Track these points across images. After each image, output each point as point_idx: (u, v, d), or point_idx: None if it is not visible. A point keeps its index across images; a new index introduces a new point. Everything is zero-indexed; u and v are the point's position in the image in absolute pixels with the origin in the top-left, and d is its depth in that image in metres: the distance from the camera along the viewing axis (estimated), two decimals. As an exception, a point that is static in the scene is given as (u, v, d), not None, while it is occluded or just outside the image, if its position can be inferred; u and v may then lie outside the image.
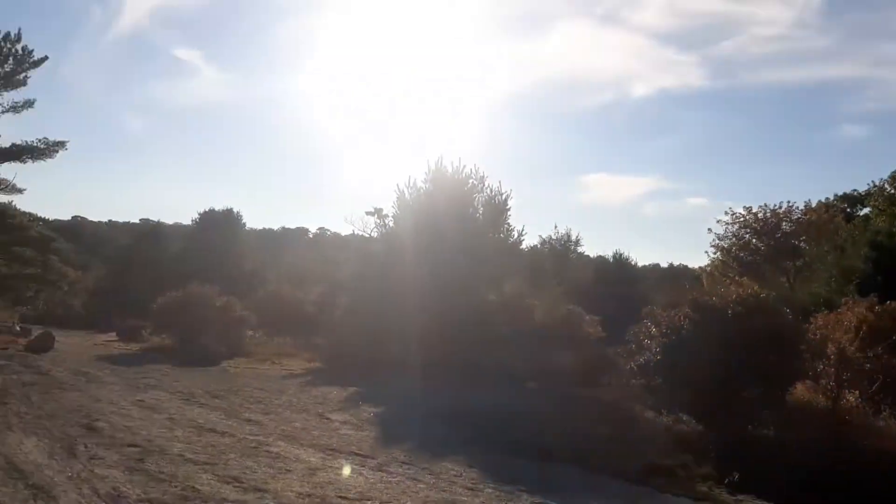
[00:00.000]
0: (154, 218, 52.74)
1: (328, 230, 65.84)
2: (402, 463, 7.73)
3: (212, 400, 11.54)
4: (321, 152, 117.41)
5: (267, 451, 7.83)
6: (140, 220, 74.33)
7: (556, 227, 36.71)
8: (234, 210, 36.54)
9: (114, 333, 23.09)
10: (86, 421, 8.82)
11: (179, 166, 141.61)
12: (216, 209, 35.99)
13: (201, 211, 36.18)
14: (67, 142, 22.29)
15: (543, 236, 34.41)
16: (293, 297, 24.38)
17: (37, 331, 20.73)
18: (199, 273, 23.90)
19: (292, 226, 78.04)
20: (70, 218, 68.16)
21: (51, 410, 9.34)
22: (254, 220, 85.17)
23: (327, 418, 10.49)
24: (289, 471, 7.04)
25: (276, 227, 74.83)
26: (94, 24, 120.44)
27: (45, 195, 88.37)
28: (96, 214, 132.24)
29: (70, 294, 30.00)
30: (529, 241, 27.64)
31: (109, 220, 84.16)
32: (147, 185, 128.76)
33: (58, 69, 78.50)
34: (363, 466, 7.52)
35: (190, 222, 37.31)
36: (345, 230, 30.72)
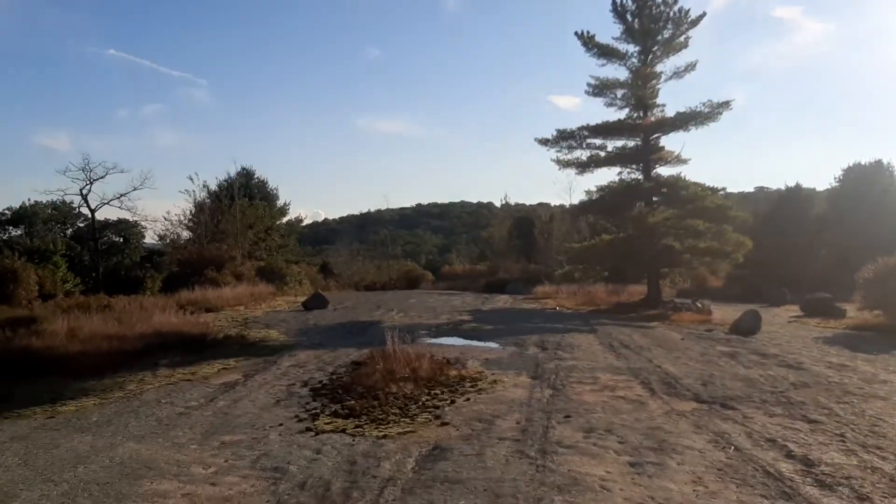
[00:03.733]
0: (769, 186, 49.94)
1: None
2: None
3: None
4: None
5: None
6: (755, 188, 72.76)
7: None
8: (885, 161, 31.02)
9: (797, 307, 19.91)
10: None
11: (788, 129, 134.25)
12: (862, 163, 31.34)
13: (844, 167, 31.89)
14: (732, 101, 20.64)
15: None
16: None
17: (705, 306, 19.42)
18: (846, 235, 22.46)
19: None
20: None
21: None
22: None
23: None
24: None
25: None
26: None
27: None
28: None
29: (716, 264, 28.92)
30: None
31: (724, 190, 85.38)
32: (756, 152, 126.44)
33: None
34: None
35: (830, 184, 33.33)
36: None
